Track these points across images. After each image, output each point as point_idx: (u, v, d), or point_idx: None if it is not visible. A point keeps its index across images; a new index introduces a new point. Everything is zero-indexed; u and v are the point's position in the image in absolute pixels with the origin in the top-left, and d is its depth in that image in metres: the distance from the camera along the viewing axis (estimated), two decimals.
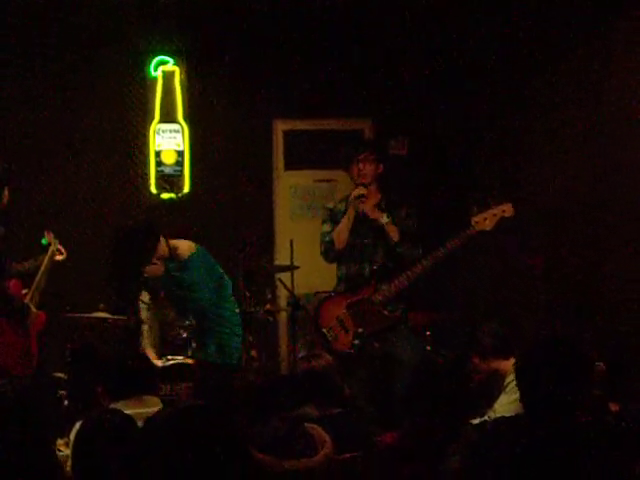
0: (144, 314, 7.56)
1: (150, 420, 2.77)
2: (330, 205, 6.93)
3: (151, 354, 7.17)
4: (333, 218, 6.73)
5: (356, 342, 6.41)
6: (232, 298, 6.23)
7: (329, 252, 6.71)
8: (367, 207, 6.50)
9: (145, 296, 7.65)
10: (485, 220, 6.22)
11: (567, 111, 7.73)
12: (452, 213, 8.20)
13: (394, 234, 6.41)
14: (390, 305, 6.44)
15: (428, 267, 6.31)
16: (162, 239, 5.94)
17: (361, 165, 6.55)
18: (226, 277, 6.18)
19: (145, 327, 7.56)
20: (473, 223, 6.24)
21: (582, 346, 3.57)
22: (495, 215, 6.22)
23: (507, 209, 6.24)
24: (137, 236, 5.84)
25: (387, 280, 6.41)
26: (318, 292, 8.60)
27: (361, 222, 6.54)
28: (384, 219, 6.43)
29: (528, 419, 3.38)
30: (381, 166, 6.61)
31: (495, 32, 8.33)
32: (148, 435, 2.67)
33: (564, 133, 7.78)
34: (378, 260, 6.48)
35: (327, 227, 6.76)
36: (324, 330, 6.51)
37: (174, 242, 6.06)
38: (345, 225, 6.56)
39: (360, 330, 6.39)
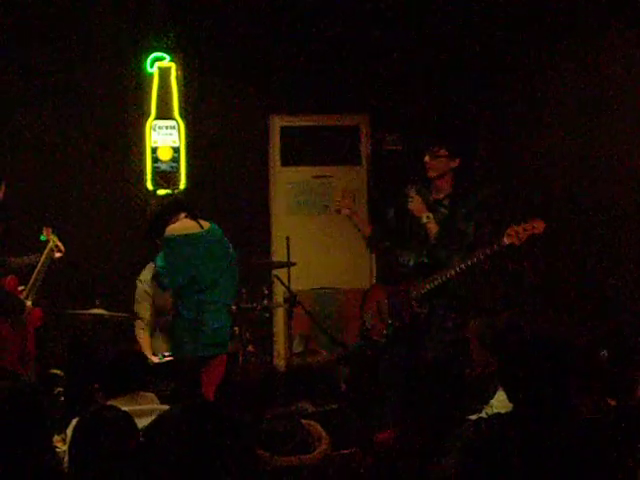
0: (142, 310, 7.58)
1: (158, 418, 2.78)
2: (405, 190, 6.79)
3: (147, 350, 7.16)
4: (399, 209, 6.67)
5: (385, 332, 6.45)
6: (200, 298, 6.19)
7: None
8: (414, 204, 6.43)
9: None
10: (517, 234, 6.13)
11: (567, 113, 7.75)
12: None
13: (432, 234, 6.37)
14: (421, 302, 6.41)
15: (457, 273, 6.26)
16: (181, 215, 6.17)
17: (427, 158, 6.45)
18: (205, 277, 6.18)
19: (142, 323, 7.56)
20: (505, 236, 6.15)
21: (564, 342, 3.57)
22: (526, 230, 6.11)
23: (539, 226, 6.13)
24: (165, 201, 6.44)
25: (424, 277, 6.39)
26: (315, 288, 8.65)
27: (414, 218, 6.47)
28: (424, 219, 6.38)
29: (521, 416, 3.39)
30: (456, 160, 6.44)
31: (494, 28, 8.33)
32: (156, 432, 2.68)
33: (562, 131, 7.80)
34: (421, 255, 6.45)
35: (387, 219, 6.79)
36: (365, 315, 6.56)
37: (182, 221, 6.19)
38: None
39: (390, 321, 6.44)
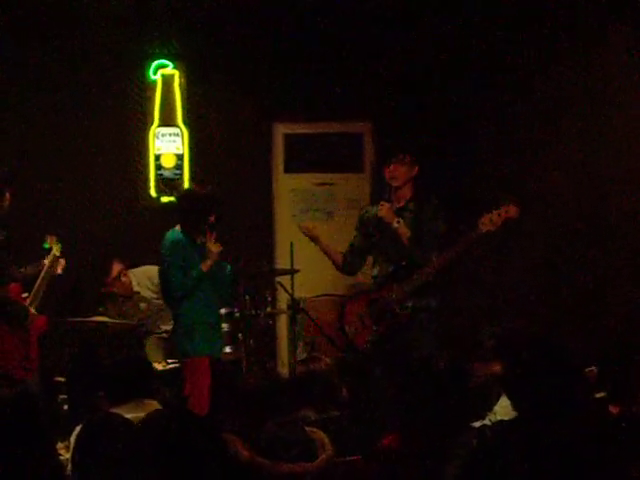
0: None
1: (136, 425, 2.78)
2: (362, 211, 7.02)
3: (153, 357, 7.17)
4: (362, 227, 6.84)
5: (370, 339, 6.54)
6: None
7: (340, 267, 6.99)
8: (384, 211, 6.56)
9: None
10: (491, 221, 6.30)
11: (570, 118, 7.75)
12: (453, 212, 8.22)
13: (405, 237, 6.49)
14: (403, 304, 6.51)
15: (437, 269, 6.41)
16: None
17: (392, 167, 6.61)
18: None
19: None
20: (480, 224, 6.32)
21: (569, 349, 3.57)
22: (500, 216, 6.31)
23: (511, 210, 6.32)
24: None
25: (402, 280, 6.51)
26: (319, 294, 8.64)
27: (383, 225, 6.60)
28: (395, 224, 6.51)
29: (524, 423, 3.38)
30: (416, 168, 6.65)
31: (499, 34, 8.34)
32: (133, 440, 2.67)
33: (567, 136, 7.80)
34: (397, 260, 6.57)
35: (353, 239, 6.91)
36: (347, 327, 6.64)
37: None
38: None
39: (374, 328, 6.52)
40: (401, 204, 6.66)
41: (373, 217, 6.72)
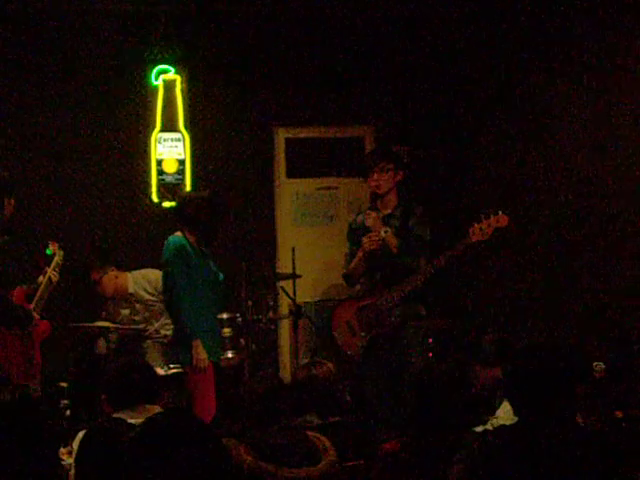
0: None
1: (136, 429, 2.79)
2: (350, 220, 7.06)
3: (154, 362, 7.18)
4: (351, 235, 6.86)
5: (360, 345, 6.56)
6: None
7: (346, 279, 6.95)
8: (371, 220, 6.57)
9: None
10: (481, 230, 6.34)
11: (570, 118, 7.76)
12: (449, 219, 8.24)
13: (393, 246, 6.50)
14: (392, 311, 6.53)
15: (427, 277, 6.43)
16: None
17: (376, 176, 6.61)
18: None
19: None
20: (470, 234, 6.35)
21: (571, 352, 3.58)
22: (490, 225, 6.35)
23: (502, 219, 6.36)
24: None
25: (391, 287, 6.53)
26: (321, 300, 8.64)
27: (369, 233, 6.61)
28: (383, 233, 6.52)
29: (526, 428, 3.39)
30: (401, 174, 6.66)
31: (496, 42, 8.36)
32: (132, 444, 2.67)
33: (567, 137, 7.80)
34: (385, 268, 6.58)
35: (348, 250, 6.94)
36: (334, 333, 6.66)
37: None
38: (356, 264, 6.76)
39: (363, 334, 6.54)
40: (388, 211, 6.68)
41: (360, 226, 6.73)
